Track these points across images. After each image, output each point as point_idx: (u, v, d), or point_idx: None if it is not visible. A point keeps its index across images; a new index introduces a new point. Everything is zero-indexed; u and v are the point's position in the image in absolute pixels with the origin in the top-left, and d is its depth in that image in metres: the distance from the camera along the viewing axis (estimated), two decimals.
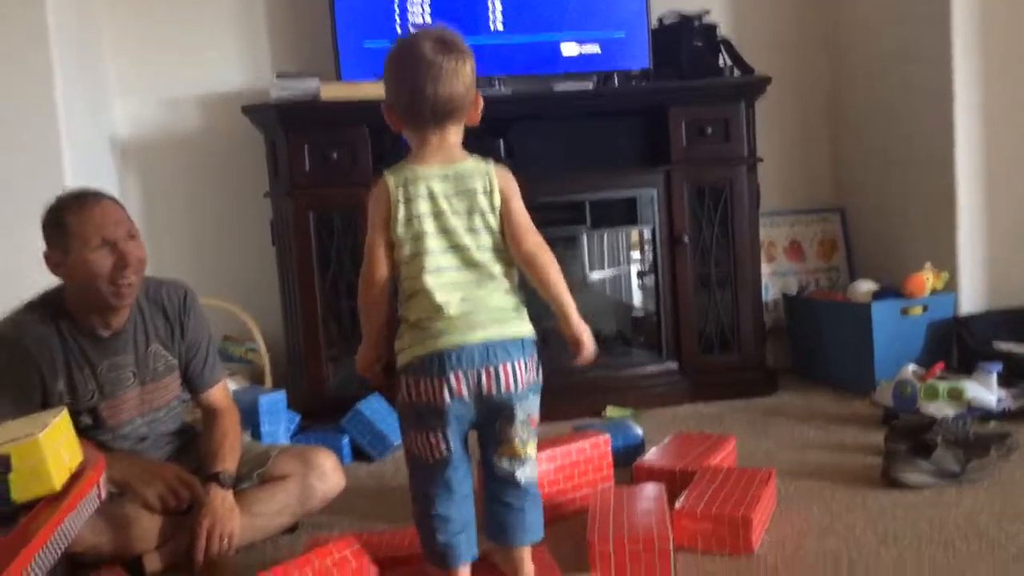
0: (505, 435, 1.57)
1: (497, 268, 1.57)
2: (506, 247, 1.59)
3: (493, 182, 1.57)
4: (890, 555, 1.75)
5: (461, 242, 1.54)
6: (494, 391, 1.52)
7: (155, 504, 1.85)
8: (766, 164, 3.16)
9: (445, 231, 1.54)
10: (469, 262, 1.55)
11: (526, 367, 1.55)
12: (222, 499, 1.88)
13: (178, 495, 1.86)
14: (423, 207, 1.54)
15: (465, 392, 1.51)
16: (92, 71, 3.03)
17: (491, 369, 1.51)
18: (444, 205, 1.54)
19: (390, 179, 1.56)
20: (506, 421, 1.56)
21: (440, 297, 1.52)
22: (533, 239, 1.59)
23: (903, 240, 3.26)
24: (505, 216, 1.58)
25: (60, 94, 2.68)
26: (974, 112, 2.96)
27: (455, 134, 1.59)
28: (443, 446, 1.55)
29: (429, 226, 1.54)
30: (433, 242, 1.54)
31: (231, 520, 1.86)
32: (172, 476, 1.88)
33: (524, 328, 1.57)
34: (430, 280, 1.52)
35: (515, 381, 1.53)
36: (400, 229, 1.54)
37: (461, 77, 1.55)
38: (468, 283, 1.54)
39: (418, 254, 1.54)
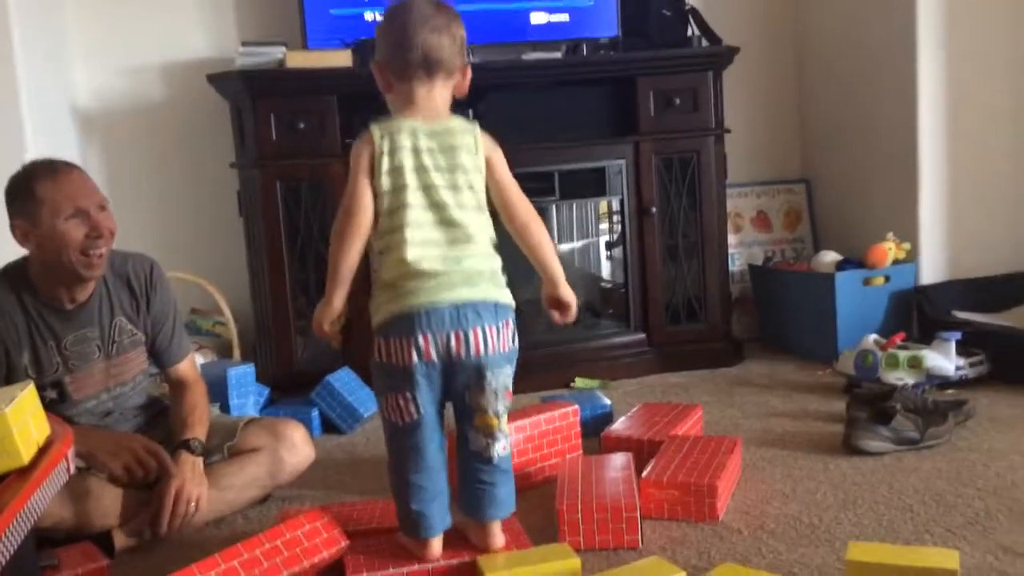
0: (477, 403, 1.57)
1: (476, 229, 1.57)
2: (486, 207, 1.60)
3: (479, 143, 1.58)
4: (850, 519, 1.79)
5: (441, 199, 1.54)
6: (463, 354, 1.53)
7: (121, 475, 1.84)
8: (733, 135, 3.18)
9: (426, 187, 1.54)
10: (448, 221, 1.54)
11: (498, 332, 1.55)
12: (192, 465, 1.89)
13: (145, 465, 1.85)
14: (406, 160, 1.53)
15: (433, 354, 1.52)
16: (53, 38, 2.96)
17: (460, 333, 1.52)
18: (427, 160, 1.54)
19: (375, 129, 1.55)
20: (477, 388, 1.56)
21: (415, 253, 1.52)
22: (526, 209, 1.62)
23: (866, 211, 3.31)
24: (494, 185, 1.60)
25: (20, 62, 2.62)
26: (936, 85, 2.99)
27: (443, 91, 1.59)
28: (412, 408, 1.55)
29: (411, 180, 1.53)
30: (413, 196, 1.53)
31: (199, 485, 1.87)
32: (138, 447, 1.87)
33: (498, 293, 1.57)
34: (407, 235, 1.52)
35: (485, 345, 1.54)
36: (383, 179, 1.53)
37: (451, 34, 1.56)
38: (445, 242, 1.54)
39: (397, 208, 1.53)
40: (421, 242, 1.53)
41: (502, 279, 1.60)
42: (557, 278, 1.67)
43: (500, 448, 1.60)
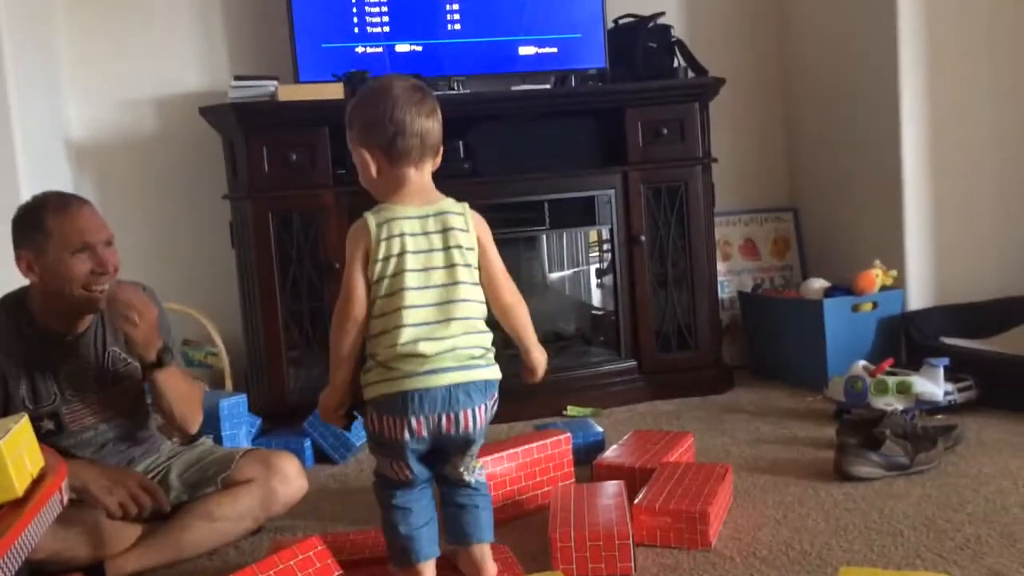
0: (453, 461, 1.63)
1: (472, 308, 1.60)
2: (480, 283, 1.63)
3: (469, 221, 1.62)
4: (841, 545, 1.80)
5: (439, 280, 1.57)
6: (452, 432, 1.57)
7: (115, 511, 1.82)
8: (721, 164, 3.21)
9: (424, 269, 1.57)
10: (444, 301, 1.57)
11: (486, 409, 1.60)
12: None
13: (139, 502, 1.85)
14: (406, 244, 1.56)
15: (424, 433, 1.56)
16: (46, 71, 2.99)
17: (451, 415, 1.55)
18: (424, 244, 1.58)
19: (371, 218, 1.58)
20: (459, 452, 1.62)
21: (410, 335, 1.54)
22: (511, 288, 1.67)
23: (854, 239, 3.34)
24: (483, 264, 1.63)
25: (13, 95, 2.64)
26: (920, 114, 3.05)
27: (430, 172, 1.64)
28: (407, 472, 1.60)
29: (410, 263, 1.56)
30: (412, 279, 1.56)
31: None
32: (133, 483, 1.86)
33: (488, 372, 1.61)
34: (404, 317, 1.54)
35: (473, 423, 1.58)
36: (379, 266, 1.56)
37: (438, 116, 1.62)
38: (441, 322, 1.56)
39: (395, 291, 1.56)
40: (417, 324, 1.55)
41: (491, 354, 1.63)
42: (528, 349, 1.72)
43: (476, 475, 1.66)
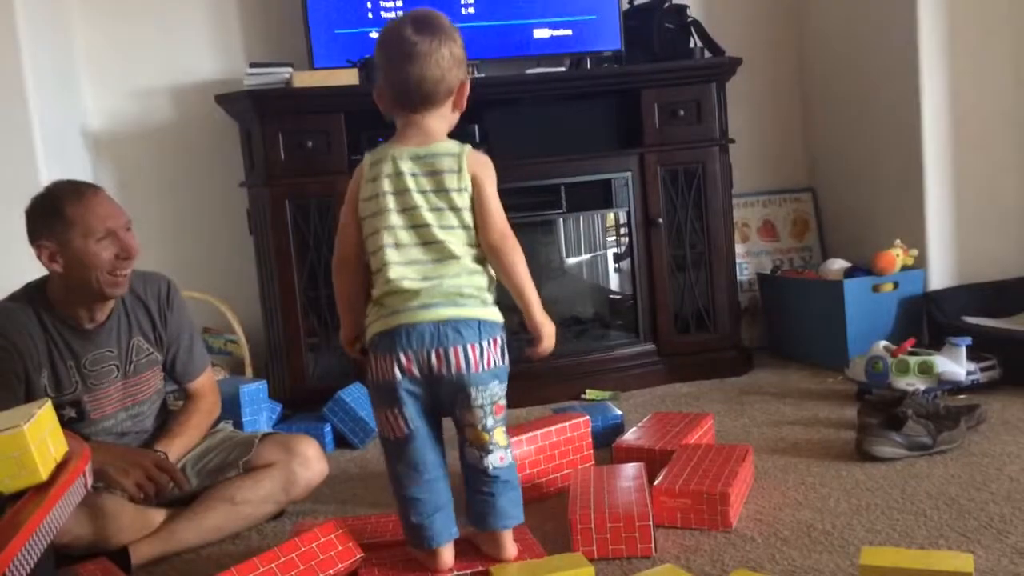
0: (465, 419, 1.60)
1: (461, 248, 1.58)
2: (473, 228, 1.60)
3: (463, 163, 1.58)
4: (863, 525, 1.79)
5: (423, 220, 1.57)
6: (444, 372, 1.54)
7: (133, 492, 1.83)
8: (738, 145, 3.19)
9: (406, 209, 1.57)
10: (430, 240, 1.57)
11: (481, 351, 1.56)
12: None
13: (156, 482, 1.85)
14: (386, 185, 1.57)
15: (416, 371, 1.54)
16: (63, 63, 3.00)
17: (441, 351, 1.54)
18: (410, 184, 1.57)
19: (367, 157, 1.61)
20: (463, 405, 1.58)
21: (396, 273, 1.55)
22: (500, 228, 1.60)
23: (873, 219, 3.32)
24: (477, 201, 1.59)
25: (31, 85, 2.66)
26: (941, 91, 3.01)
27: (436, 118, 1.61)
28: (401, 423, 1.58)
29: (391, 203, 1.57)
30: (394, 219, 1.57)
31: None
32: (149, 463, 1.86)
33: (483, 311, 1.58)
34: (388, 256, 1.56)
35: (467, 363, 1.54)
36: (363, 206, 1.59)
37: (436, 59, 1.55)
38: (427, 261, 1.57)
39: (378, 230, 1.57)
40: (403, 262, 1.56)
41: (489, 297, 1.61)
42: (529, 306, 1.62)
43: (496, 460, 1.61)
